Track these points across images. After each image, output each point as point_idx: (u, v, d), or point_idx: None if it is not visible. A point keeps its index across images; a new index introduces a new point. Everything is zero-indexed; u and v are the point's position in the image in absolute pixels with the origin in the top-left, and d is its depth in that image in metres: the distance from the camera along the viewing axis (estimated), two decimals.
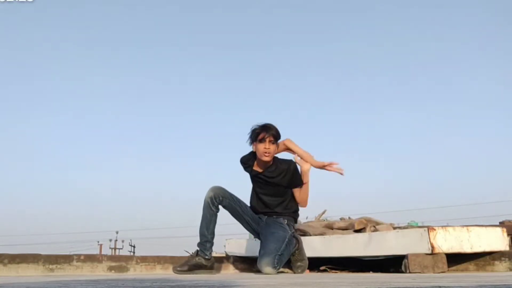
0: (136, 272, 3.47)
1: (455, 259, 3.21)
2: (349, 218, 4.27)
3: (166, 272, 3.50)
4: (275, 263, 2.81)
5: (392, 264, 3.15)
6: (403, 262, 2.90)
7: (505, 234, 3.27)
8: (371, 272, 3.31)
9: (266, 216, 3.13)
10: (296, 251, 3.10)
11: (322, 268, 3.53)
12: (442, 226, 3.01)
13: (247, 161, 3.15)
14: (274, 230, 2.99)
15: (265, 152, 2.94)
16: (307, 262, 3.17)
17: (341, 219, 4.27)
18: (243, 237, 4.53)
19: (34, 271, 3.13)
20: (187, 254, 3.39)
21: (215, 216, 3.05)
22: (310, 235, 3.69)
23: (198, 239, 3.07)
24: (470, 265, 3.26)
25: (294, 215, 3.19)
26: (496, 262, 3.16)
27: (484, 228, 3.22)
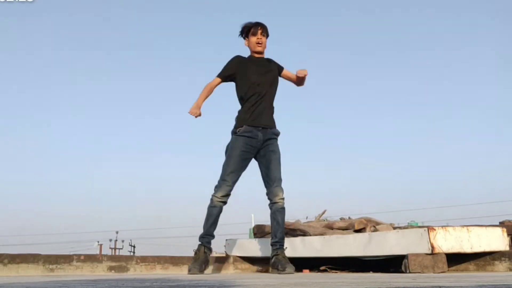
0: (136, 272, 3.46)
1: (455, 259, 3.21)
2: (349, 218, 4.27)
3: (166, 272, 3.51)
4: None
5: (392, 264, 3.15)
6: (403, 262, 2.90)
7: (505, 234, 3.27)
8: (371, 272, 3.31)
9: (261, 128, 2.99)
10: None
11: (322, 268, 3.53)
12: (442, 226, 3.00)
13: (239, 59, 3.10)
14: (276, 150, 3.02)
15: (258, 43, 3.05)
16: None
17: (341, 219, 4.27)
18: (243, 237, 4.54)
19: (34, 271, 3.12)
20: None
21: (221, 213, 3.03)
22: (310, 235, 3.69)
23: (198, 239, 3.03)
24: (470, 265, 3.26)
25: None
26: (496, 262, 3.16)
27: (484, 228, 3.22)
